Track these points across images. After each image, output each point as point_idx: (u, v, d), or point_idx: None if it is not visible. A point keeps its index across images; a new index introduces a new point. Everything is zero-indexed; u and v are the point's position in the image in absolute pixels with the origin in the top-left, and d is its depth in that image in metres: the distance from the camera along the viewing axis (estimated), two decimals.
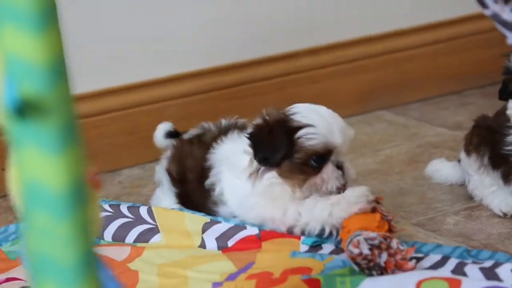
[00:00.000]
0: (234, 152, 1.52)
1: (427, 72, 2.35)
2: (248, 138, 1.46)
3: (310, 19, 2.23)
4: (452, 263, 1.36)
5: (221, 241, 1.51)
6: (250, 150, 1.46)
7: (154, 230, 1.57)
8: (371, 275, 1.33)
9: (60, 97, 0.71)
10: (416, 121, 2.17)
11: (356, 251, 1.34)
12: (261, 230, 1.50)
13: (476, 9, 2.20)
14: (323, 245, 1.46)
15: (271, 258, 1.43)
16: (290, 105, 2.17)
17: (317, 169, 1.44)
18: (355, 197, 1.43)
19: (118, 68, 2.05)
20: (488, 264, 1.34)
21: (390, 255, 1.34)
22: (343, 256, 1.41)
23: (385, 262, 1.34)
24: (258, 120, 1.48)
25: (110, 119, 2.05)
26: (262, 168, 1.46)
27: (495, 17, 1.19)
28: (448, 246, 1.42)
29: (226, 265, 1.44)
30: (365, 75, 2.30)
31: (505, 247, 1.46)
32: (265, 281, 1.35)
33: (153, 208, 1.61)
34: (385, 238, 1.36)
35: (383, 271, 1.34)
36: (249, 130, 1.48)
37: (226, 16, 2.15)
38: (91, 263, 0.69)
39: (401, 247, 1.35)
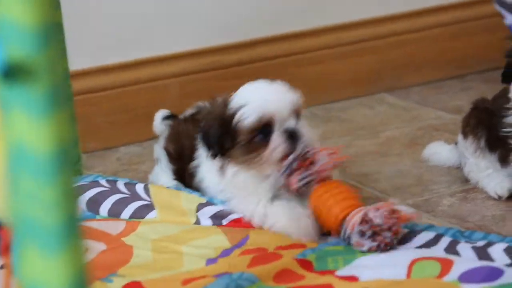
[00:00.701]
0: None
1: (429, 56, 2.35)
2: (198, 131, 1.50)
3: (311, 0, 2.23)
4: (445, 241, 1.37)
5: (216, 219, 1.52)
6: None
7: (149, 207, 1.58)
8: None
9: (49, 62, 0.71)
10: (417, 104, 2.17)
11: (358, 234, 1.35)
12: None
13: None
14: None
15: (264, 235, 1.43)
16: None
17: (265, 143, 1.44)
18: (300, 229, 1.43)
19: (115, 45, 2.05)
20: (480, 243, 1.34)
21: (388, 229, 1.35)
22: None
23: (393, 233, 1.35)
24: (204, 114, 1.51)
25: (108, 96, 2.05)
26: (222, 161, 1.48)
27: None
28: (442, 227, 1.42)
29: (221, 240, 1.44)
30: (367, 57, 2.29)
31: (499, 229, 1.46)
32: (259, 258, 1.35)
33: (149, 186, 1.61)
34: (364, 220, 1.36)
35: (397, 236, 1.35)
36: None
37: None
38: (75, 227, 0.69)
39: (381, 214, 1.35)
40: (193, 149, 1.58)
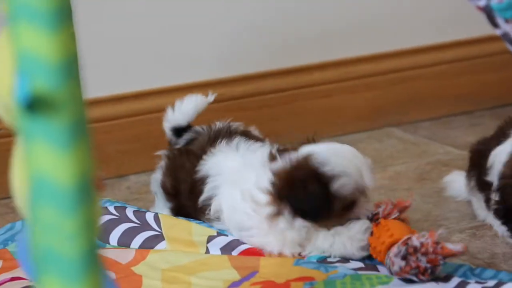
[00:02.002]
0: (235, 167, 1.50)
1: (437, 92, 2.36)
2: (278, 190, 1.40)
3: (321, 34, 2.24)
4: (454, 281, 1.37)
5: (226, 251, 1.52)
6: (270, 189, 1.41)
7: (159, 237, 1.58)
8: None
9: (71, 94, 0.72)
10: (426, 139, 2.17)
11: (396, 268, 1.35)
12: None
13: (487, 31, 2.21)
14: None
15: (274, 265, 1.43)
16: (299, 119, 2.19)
17: (350, 209, 1.43)
18: (359, 234, 1.44)
19: (128, 75, 2.07)
20: (491, 283, 1.34)
21: (424, 253, 1.34)
22: (347, 266, 1.41)
23: (428, 261, 1.34)
24: (282, 167, 1.42)
25: (119, 125, 2.06)
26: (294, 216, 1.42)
27: (506, 36, 1.19)
28: (452, 263, 1.42)
29: (230, 273, 1.44)
30: (376, 91, 2.30)
31: (509, 266, 1.46)
32: None
33: (160, 215, 1.61)
34: (406, 243, 1.36)
35: (435, 269, 1.34)
36: (274, 178, 1.42)
37: (238, 28, 2.16)
38: (95, 258, 0.70)
39: (424, 240, 1.35)
40: (192, 184, 1.55)
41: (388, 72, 2.32)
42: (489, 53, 2.37)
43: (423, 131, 2.24)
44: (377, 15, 2.29)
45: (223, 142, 1.56)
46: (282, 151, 1.47)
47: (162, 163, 1.66)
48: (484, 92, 2.38)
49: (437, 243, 1.36)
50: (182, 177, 1.58)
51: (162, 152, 1.68)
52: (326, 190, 1.38)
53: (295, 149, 1.45)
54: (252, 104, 2.19)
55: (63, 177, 0.70)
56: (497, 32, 1.19)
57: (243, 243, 1.51)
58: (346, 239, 1.44)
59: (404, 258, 1.35)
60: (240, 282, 1.42)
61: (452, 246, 1.37)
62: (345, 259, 1.45)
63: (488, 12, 1.18)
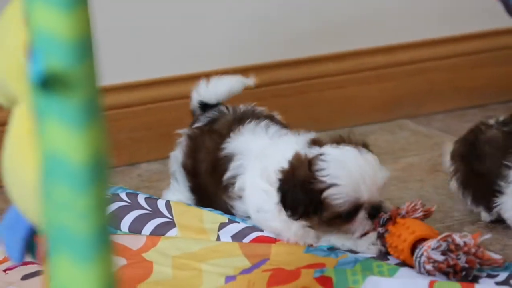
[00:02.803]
0: (263, 147, 1.50)
1: (452, 84, 2.35)
2: (277, 188, 1.42)
3: (336, 25, 2.24)
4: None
5: (237, 239, 1.52)
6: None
7: (170, 224, 1.58)
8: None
9: (85, 73, 0.73)
10: (439, 132, 2.17)
11: (430, 265, 1.33)
12: None
13: (503, 23, 2.20)
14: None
15: (285, 252, 1.43)
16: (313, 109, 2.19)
17: (348, 220, 1.42)
18: (366, 247, 1.43)
19: (141, 63, 2.07)
20: (502, 277, 1.34)
21: (466, 253, 1.32)
22: (357, 255, 1.41)
23: (467, 262, 1.32)
24: (294, 159, 1.42)
25: (131, 113, 2.07)
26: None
27: None
28: None
29: (241, 260, 1.45)
30: (390, 83, 2.30)
31: None
32: (278, 276, 1.36)
33: (171, 202, 1.62)
34: (446, 240, 1.34)
35: (470, 271, 1.32)
36: (279, 175, 1.42)
37: (252, 18, 2.16)
38: (107, 237, 0.70)
39: (467, 240, 1.33)
40: (215, 162, 1.55)
41: (403, 64, 2.31)
42: (504, 46, 2.36)
43: (436, 124, 2.23)
44: (393, 7, 2.29)
45: (252, 123, 1.56)
46: (314, 141, 1.47)
47: (183, 141, 1.65)
48: (498, 85, 2.37)
49: (479, 246, 1.34)
50: (204, 156, 1.57)
51: (183, 131, 1.67)
52: (313, 197, 1.38)
53: (323, 144, 1.45)
54: (266, 94, 2.18)
55: (77, 156, 0.70)
56: None
57: (255, 231, 1.51)
58: (358, 239, 1.44)
59: (443, 254, 1.32)
60: (250, 269, 1.42)
61: (493, 255, 1.34)
62: (354, 252, 1.45)
63: (504, 1, 1.18)
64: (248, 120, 1.56)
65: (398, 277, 1.33)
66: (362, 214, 1.41)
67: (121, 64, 2.05)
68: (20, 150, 0.81)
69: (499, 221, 1.59)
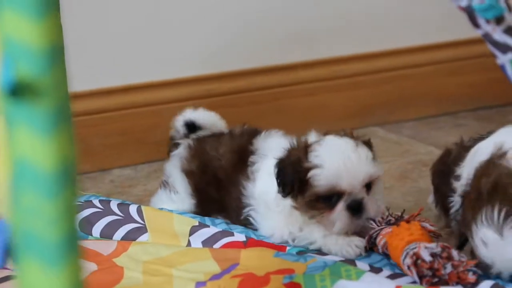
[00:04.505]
0: (282, 146, 1.55)
1: (422, 92, 2.38)
2: (275, 165, 1.50)
3: (309, 33, 2.26)
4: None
5: (207, 244, 1.53)
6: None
7: (142, 230, 1.59)
8: None
9: (55, 81, 0.73)
10: (409, 139, 2.19)
11: (418, 261, 1.33)
12: (248, 238, 1.52)
13: (473, 33, 2.23)
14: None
15: (255, 257, 1.44)
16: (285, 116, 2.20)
17: (330, 207, 1.46)
18: (357, 240, 1.47)
19: (115, 69, 2.07)
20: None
21: (453, 266, 1.33)
22: (326, 258, 1.43)
23: (448, 274, 1.32)
24: (285, 150, 1.50)
25: (104, 118, 2.07)
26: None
27: (487, 37, 1.21)
28: None
29: (211, 265, 1.45)
30: (361, 91, 2.32)
31: None
32: (247, 282, 1.37)
33: (142, 208, 1.63)
34: (443, 248, 1.35)
35: (442, 283, 1.32)
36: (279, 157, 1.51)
37: (227, 26, 2.18)
38: (75, 243, 0.71)
39: (462, 258, 1.34)
40: (238, 153, 1.61)
41: (374, 72, 2.33)
42: (474, 55, 2.39)
43: (406, 131, 2.26)
44: (365, 16, 2.31)
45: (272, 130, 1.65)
46: (326, 133, 1.54)
47: (183, 150, 1.68)
48: (468, 93, 2.40)
49: (467, 270, 1.34)
50: (225, 152, 1.63)
51: (182, 141, 1.70)
52: (300, 176, 1.45)
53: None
54: (240, 101, 2.20)
55: (45, 162, 0.71)
56: (478, 32, 1.21)
57: (225, 236, 1.53)
58: (340, 237, 1.48)
59: (432, 256, 1.34)
60: (221, 274, 1.43)
61: (471, 277, 1.34)
62: (323, 253, 1.47)
63: (469, 12, 1.20)
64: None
65: (364, 280, 1.35)
66: (341, 205, 1.45)
67: (94, 70, 2.05)
68: None
69: None
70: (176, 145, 1.71)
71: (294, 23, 2.24)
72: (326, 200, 1.46)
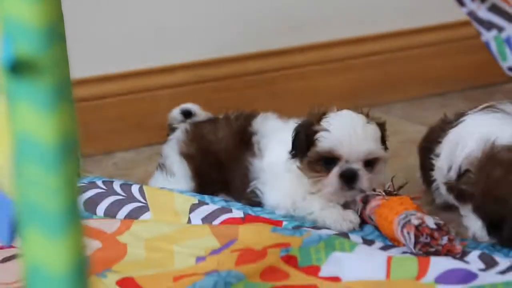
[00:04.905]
0: (287, 125, 1.60)
1: (411, 74, 2.37)
2: (293, 129, 1.54)
3: (302, 18, 2.25)
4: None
5: (207, 221, 1.53)
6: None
7: (144, 208, 1.59)
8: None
9: (54, 58, 0.73)
10: (398, 119, 2.19)
11: (421, 224, 1.34)
12: (246, 214, 1.52)
13: (458, 16, 2.23)
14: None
15: (252, 232, 1.44)
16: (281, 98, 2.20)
17: (326, 171, 1.49)
18: (352, 213, 1.49)
19: (115, 56, 2.07)
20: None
21: (449, 239, 1.34)
22: (321, 232, 1.43)
23: (444, 246, 1.33)
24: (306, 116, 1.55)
25: (106, 104, 2.06)
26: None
27: (472, 15, 1.21)
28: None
29: (210, 241, 1.45)
30: (352, 74, 2.32)
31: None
32: (246, 256, 1.37)
33: (144, 187, 1.62)
34: (444, 223, 1.36)
35: (432, 252, 1.33)
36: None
37: (223, 11, 2.17)
38: (76, 213, 0.70)
39: (452, 233, 1.35)
40: (239, 134, 1.62)
41: (364, 55, 2.33)
42: (459, 38, 2.38)
43: (396, 111, 2.25)
44: (353, 2, 2.30)
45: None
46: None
47: (180, 134, 1.68)
48: (455, 75, 2.40)
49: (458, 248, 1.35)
50: (222, 134, 1.65)
51: (181, 126, 1.70)
52: (308, 137, 1.49)
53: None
54: (235, 85, 2.19)
55: (47, 136, 0.70)
56: (463, 10, 1.21)
57: (224, 213, 1.53)
58: (336, 210, 1.50)
59: (437, 225, 1.34)
60: (220, 249, 1.43)
61: (458, 246, 1.35)
62: (318, 227, 1.47)
63: None
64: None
65: (357, 252, 1.35)
66: (336, 170, 1.48)
67: (95, 57, 2.04)
68: None
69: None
70: (174, 129, 1.70)
71: (287, 9, 2.23)
72: (325, 164, 1.48)
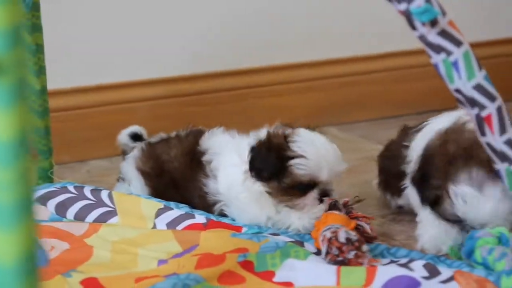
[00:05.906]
0: (235, 141, 1.53)
1: (374, 96, 2.39)
2: (250, 149, 1.47)
3: (272, 40, 2.26)
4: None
5: (171, 226, 1.52)
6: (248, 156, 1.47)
7: (112, 213, 1.58)
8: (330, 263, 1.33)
9: (15, 60, 0.72)
10: (359, 138, 2.20)
11: (332, 237, 1.34)
12: (209, 220, 1.51)
13: (417, 44, 2.24)
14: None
15: (213, 238, 1.43)
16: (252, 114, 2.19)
17: (302, 194, 1.45)
18: (312, 215, 1.47)
19: (92, 69, 2.06)
20: (403, 261, 1.35)
21: (357, 256, 1.33)
22: (278, 239, 1.42)
23: (348, 259, 1.33)
24: (262, 136, 1.48)
25: (83, 114, 2.05)
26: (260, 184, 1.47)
27: (422, 38, 1.21)
28: (371, 244, 1.43)
29: (173, 246, 1.44)
30: (318, 93, 2.33)
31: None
32: (205, 260, 1.36)
33: (113, 193, 1.61)
34: (359, 239, 1.35)
35: (343, 263, 1.33)
36: (253, 142, 1.48)
37: (200, 29, 2.17)
38: (29, 208, 0.69)
39: (369, 255, 1.35)
40: (189, 156, 1.57)
41: (329, 77, 2.35)
42: (417, 64, 2.41)
43: (358, 131, 2.26)
44: (322, 27, 2.32)
45: (218, 128, 1.60)
46: (286, 125, 1.51)
47: (137, 153, 1.65)
48: (412, 98, 2.42)
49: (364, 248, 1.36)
50: (177, 154, 1.59)
51: (136, 145, 1.67)
52: (281, 162, 1.43)
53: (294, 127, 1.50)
54: (208, 101, 2.19)
55: (3, 132, 0.69)
56: (415, 34, 1.21)
57: (187, 219, 1.52)
58: (313, 219, 1.47)
59: (347, 240, 1.34)
60: (181, 254, 1.42)
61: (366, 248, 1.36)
62: (276, 234, 1.46)
63: (407, 15, 1.20)
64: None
65: (310, 260, 1.34)
66: (314, 193, 1.45)
67: (72, 70, 2.03)
68: None
69: (406, 213, 1.62)
70: (125, 152, 1.69)
71: (258, 32, 2.24)
72: (301, 188, 1.45)
